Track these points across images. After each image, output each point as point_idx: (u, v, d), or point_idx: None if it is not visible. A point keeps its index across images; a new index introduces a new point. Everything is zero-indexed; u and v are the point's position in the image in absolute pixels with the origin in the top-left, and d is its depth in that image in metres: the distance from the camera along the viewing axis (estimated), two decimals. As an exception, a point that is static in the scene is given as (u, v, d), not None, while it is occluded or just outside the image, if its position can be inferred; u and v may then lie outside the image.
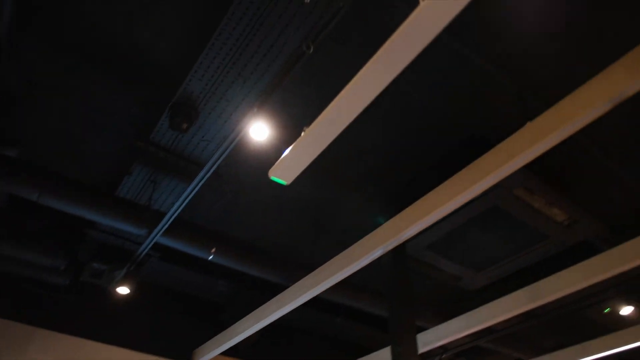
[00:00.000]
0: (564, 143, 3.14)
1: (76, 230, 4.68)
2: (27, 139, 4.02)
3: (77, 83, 3.57)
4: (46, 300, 5.00)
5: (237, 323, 5.20)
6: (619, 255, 4.21)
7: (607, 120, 3.26)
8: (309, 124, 2.14)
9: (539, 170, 4.07)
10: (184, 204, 3.61)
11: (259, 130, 2.88)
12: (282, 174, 2.17)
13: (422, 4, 1.50)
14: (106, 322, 5.30)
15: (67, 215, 4.10)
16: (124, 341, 5.32)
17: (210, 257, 4.21)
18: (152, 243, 3.94)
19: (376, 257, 3.70)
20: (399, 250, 3.85)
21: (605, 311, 6.18)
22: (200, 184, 3.48)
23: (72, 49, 3.36)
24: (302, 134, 2.01)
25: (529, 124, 2.77)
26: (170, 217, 3.69)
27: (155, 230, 3.81)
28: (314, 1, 2.79)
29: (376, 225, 4.01)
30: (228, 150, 3.17)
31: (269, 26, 2.98)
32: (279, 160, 2.10)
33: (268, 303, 4.75)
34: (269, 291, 5.15)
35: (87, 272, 4.74)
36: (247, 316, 5.01)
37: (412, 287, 4.31)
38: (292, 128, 3.89)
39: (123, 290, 4.67)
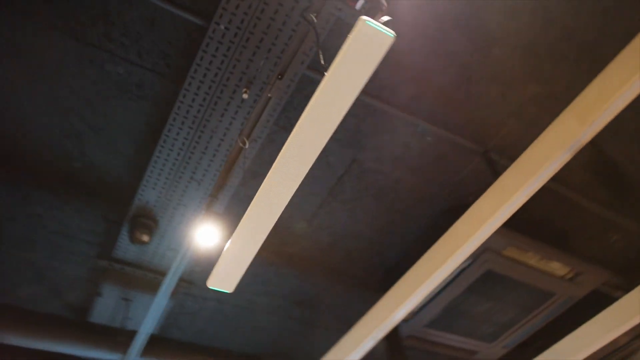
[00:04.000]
0: (544, 196, 2.97)
1: None
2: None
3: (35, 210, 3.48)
4: None
5: None
6: (638, 299, 3.85)
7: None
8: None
9: (526, 226, 3.86)
10: (154, 320, 3.35)
11: (206, 234, 2.72)
12: (221, 283, 1.99)
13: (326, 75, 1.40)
14: None
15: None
16: None
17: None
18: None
19: (369, 348, 3.37)
20: (393, 335, 3.51)
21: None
22: (166, 296, 3.25)
23: (26, 179, 3.30)
24: (228, 242, 1.86)
25: (493, 185, 2.62)
26: (141, 336, 3.42)
27: (131, 353, 3.51)
28: (252, 97, 2.76)
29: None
30: (185, 258, 2.99)
31: (213, 126, 2.93)
32: (213, 271, 1.93)
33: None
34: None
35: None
36: None
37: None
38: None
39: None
